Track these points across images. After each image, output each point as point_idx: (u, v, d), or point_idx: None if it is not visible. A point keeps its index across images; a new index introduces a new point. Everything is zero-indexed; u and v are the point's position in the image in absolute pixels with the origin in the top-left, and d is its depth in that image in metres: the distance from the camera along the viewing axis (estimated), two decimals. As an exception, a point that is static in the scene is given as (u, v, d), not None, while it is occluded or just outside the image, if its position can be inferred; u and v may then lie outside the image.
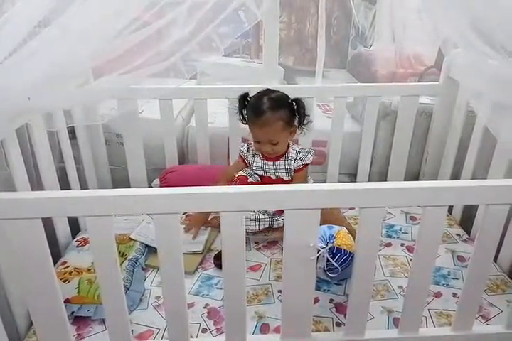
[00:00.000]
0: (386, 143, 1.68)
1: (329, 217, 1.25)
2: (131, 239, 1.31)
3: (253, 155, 1.35)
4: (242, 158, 1.36)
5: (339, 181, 1.67)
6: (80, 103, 1.34)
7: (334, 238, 1.09)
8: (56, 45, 0.93)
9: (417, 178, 1.74)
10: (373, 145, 1.64)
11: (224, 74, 2.24)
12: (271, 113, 1.21)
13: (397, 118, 1.60)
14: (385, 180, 1.69)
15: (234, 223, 0.84)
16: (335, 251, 1.07)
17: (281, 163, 1.33)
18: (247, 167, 1.37)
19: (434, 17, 1.34)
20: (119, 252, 1.26)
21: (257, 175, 1.36)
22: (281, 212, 1.33)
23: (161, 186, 1.55)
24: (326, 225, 1.13)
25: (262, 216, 1.34)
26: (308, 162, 1.31)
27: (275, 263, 1.29)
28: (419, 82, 1.85)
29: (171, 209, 0.81)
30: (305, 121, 1.28)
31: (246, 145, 1.36)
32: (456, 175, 1.54)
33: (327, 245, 1.07)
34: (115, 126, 1.61)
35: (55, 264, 1.19)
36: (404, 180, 1.66)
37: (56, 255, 1.27)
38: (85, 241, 1.28)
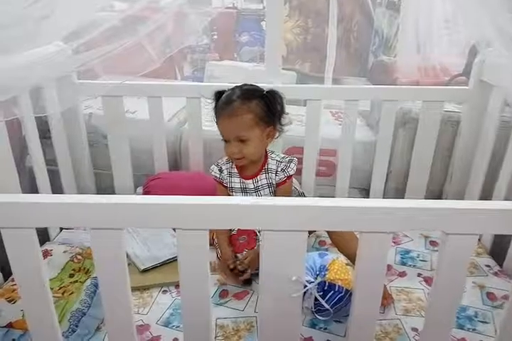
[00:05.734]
0: (404, 154, 1.49)
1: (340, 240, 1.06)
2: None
3: (229, 175, 1.18)
4: (219, 182, 1.19)
5: (349, 197, 1.49)
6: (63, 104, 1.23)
7: (326, 270, 0.88)
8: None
9: (439, 197, 1.54)
10: (390, 156, 1.45)
11: (232, 77, 2.14)
12: (240, 102, 1.06)
13: (418, 126, 1.41)
14: (403, 198, 1.49)
15: (196, 242, 0.66)
16: (326, 288, 0.86)
17: (262, 178, 1.16)
18: (227, 189, 1.19)
19: (470, 14, 1.16)
20: (84, 268, 1.10)
21: None
22: None
23: (143, 195, 1.39)
24: (316, 252, 0.92)
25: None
26: (291, 173, 1.14)
27: (264, 291, 1.09)
28: (444, 90, 1.67)
29: (112, 224, 0.63)
30: (282, 120, 1.12)
31: (216, 167, 1.19)
32: (486, 196, 1.34)
33: (316, 279, 0.86)
34: (100, 125, 1.49)
35: (6, 280, 1.04)
36: (425, 198, 1.45)
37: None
38: (46, 252, 1.12)
